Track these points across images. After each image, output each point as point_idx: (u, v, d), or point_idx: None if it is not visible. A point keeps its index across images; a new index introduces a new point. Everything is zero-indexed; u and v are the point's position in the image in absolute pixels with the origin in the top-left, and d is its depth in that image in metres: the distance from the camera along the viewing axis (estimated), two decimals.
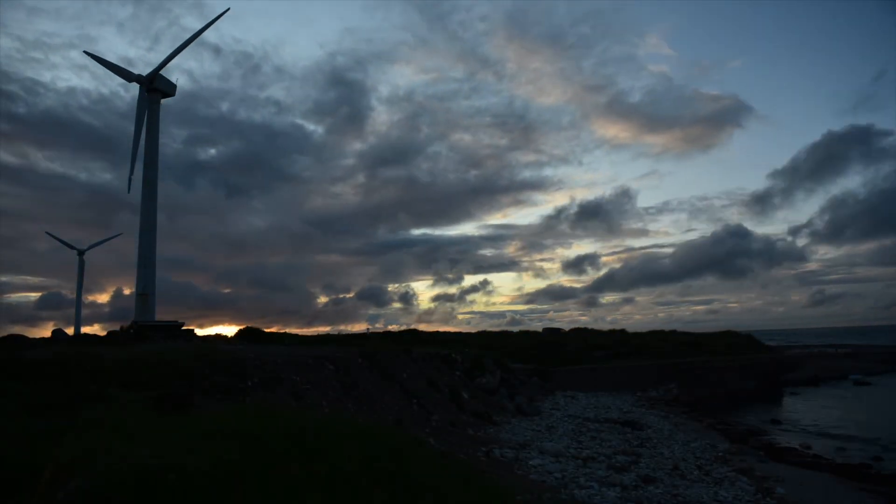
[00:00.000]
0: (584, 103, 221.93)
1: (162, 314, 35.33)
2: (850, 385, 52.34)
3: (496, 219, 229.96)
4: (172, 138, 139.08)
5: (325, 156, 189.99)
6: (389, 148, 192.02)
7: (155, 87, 36.43)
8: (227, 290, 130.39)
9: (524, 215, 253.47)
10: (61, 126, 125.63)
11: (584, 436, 23.37)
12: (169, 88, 37.35)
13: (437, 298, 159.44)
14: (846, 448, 25.30)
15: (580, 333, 63.66)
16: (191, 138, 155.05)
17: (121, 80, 38.18)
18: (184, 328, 32.28)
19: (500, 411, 27.53)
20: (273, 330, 39.41)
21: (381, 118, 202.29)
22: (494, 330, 68.88)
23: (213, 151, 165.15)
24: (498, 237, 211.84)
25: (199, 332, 33.23)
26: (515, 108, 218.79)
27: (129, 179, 36.04)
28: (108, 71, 37.18)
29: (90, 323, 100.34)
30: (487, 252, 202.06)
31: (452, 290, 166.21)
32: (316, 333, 55.28)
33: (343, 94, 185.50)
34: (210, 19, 38.50)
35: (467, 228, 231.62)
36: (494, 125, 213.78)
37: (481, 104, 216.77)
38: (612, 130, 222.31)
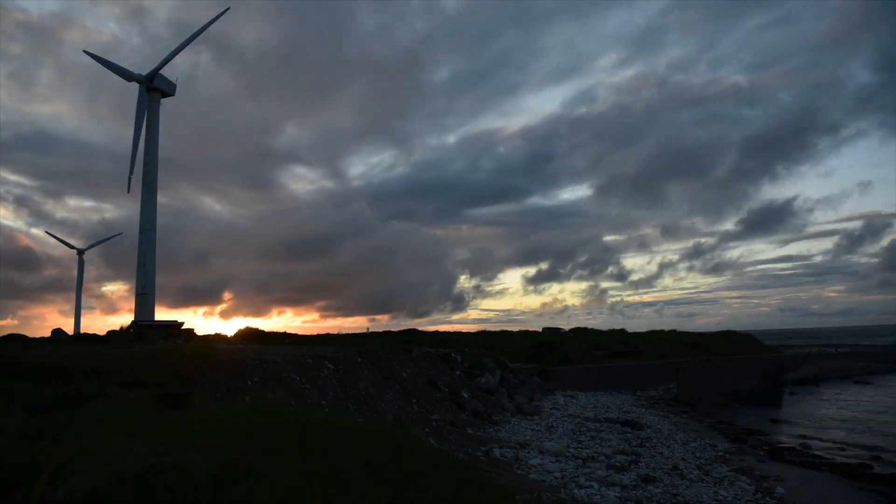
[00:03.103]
0: None
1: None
2: (850, 385, 52.37)
3: None
4: None
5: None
6: None
7: (155, 86, 36.44)
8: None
9: None
10: None
11: (584, 435, 23.35)
12: (169, 87, 37.35)
13: None
14: (846, 448, 25.30)
15: (580, 333, 63.75)
16: None
17: None
18: (183, 328, 32.31)
19: (499, 411, 27.51)
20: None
21: None
22: (494, 329, 69.07)
23: None
24: None
25: (200, 331, 33.29)
26: None
27: (129, 179, 36.09)
28: None
29: (90, 322, 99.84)
30: None
31: None
32: (324, 332, 55.16)
33: None
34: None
35: None
36: None
37: None
38: None
